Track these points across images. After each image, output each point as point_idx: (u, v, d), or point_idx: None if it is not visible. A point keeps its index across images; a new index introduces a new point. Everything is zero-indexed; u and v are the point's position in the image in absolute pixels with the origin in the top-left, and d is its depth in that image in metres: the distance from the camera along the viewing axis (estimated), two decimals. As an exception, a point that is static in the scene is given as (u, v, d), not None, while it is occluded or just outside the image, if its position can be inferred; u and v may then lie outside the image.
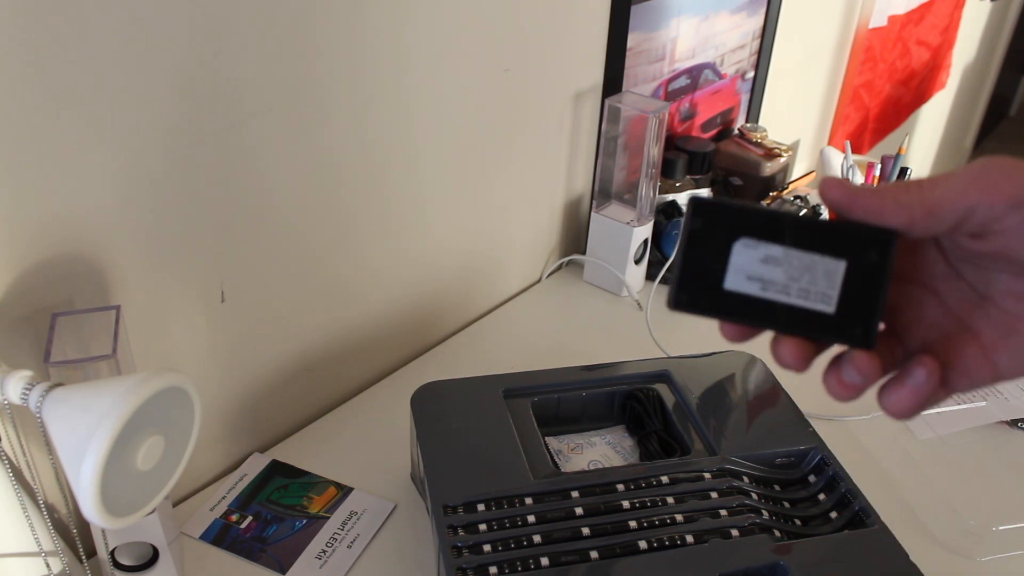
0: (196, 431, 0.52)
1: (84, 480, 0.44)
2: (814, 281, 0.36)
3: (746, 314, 0.36)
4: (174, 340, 0.70)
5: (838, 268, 0.35)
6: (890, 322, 0.38)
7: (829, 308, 0.36)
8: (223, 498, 0.74)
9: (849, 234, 0.35)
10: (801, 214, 0.36)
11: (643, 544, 0.61)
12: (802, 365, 0.36)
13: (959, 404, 0.88)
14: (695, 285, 0.36)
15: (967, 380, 0.36)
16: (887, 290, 0.35)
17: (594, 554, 0.60)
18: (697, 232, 0.36)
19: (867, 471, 0.72)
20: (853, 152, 1.33)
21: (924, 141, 2.38)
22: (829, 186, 0.35)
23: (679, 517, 0.63)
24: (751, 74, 1.35)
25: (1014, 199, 0.33)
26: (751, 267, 0.36)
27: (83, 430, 0.44)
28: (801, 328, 0.36)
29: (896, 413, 0.36)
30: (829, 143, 1.72)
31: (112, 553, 0.64)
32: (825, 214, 1.15)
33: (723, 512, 0.63)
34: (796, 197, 1.18)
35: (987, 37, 2.49)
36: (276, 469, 0.78)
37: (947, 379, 0.36)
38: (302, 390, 0.84)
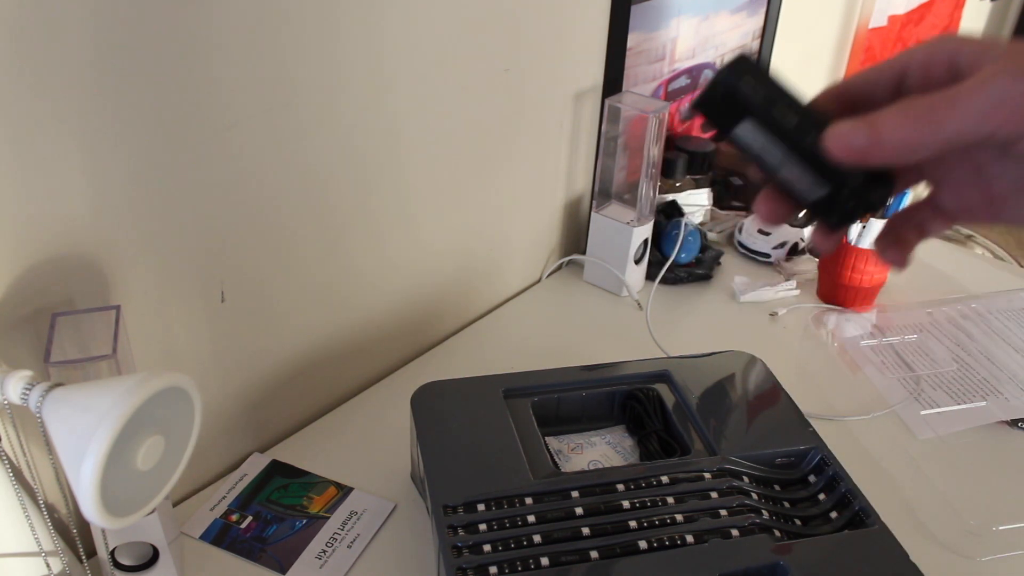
0: (196, 431, 0.52)
1: (84, 480, 0.44)
2: (802, 179, 0.38)
3: (745, 155, 0.39)
4: (174, 340, 0.70)
5: (821, 188, 0.37)
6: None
7: (809, 198, 0.38)
8: (223, 498, 0.74)
9: (842, 175, 0.37)
10: (807, 120, 0.38)
11: (643, 544, 0.61)
12: (775, 223, 0.41)
13: (959, 404, 0.88)
14: (709, 113, 0.39)
15: (969, 219, 0.39)
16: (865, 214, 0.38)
17: (594, 554, 0.60)
18: (714, 94, 0.39)
19: (867, 471, 0.72)
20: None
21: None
22: (835, 146, 0.35)
23: (679, 517, 0.63)
24: (751, 74, 1.35)
25: None
26: (754, 138, 0.38)
27: (83, 430, 0.44)
28: (782, 187, 0.39)
29: (888, 265, 0.42)
30: (829, 143, 1.72)
31: (112, 553, 0.64)
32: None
33: (723, 512, 0.63)
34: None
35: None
36: (276, 469, 0.78)
37: (952, 215, 0.39)
38: (302, 390, 0.84)
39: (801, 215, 0.41)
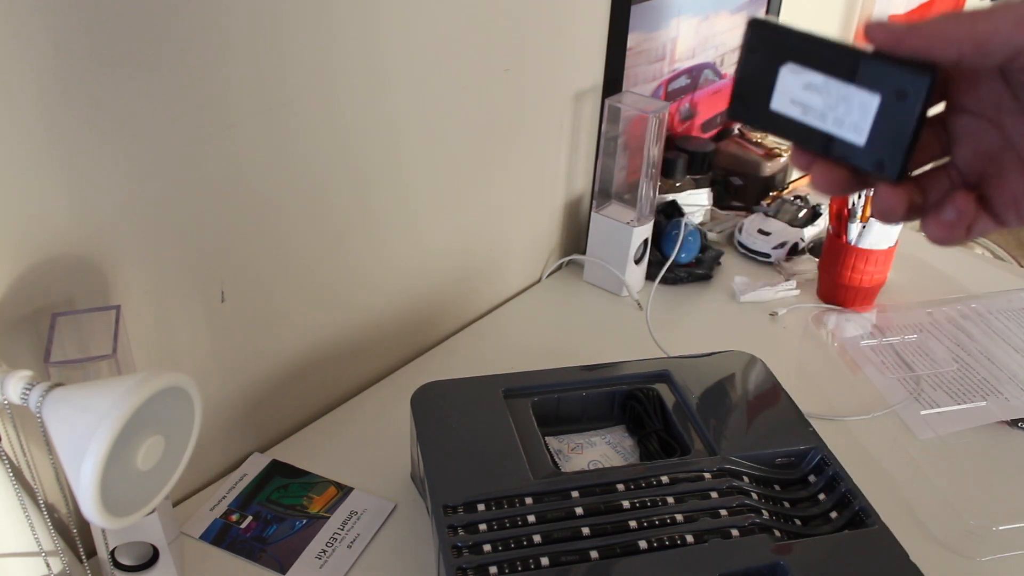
0: (196, 431, 0.52)
1: (84, 480, 0.44)
2: (848, 111, 0.37)
3: (788, 133, 0.39)
4: (174, 340, 0.70)
5: (872, 102, 0.36)
6: (951, 151, 0.39)
7: (860, 139, 0.37)
8: (223, 498, 0.74)
9: (888, 69, 0.36)
10: (846, 45, 0.37)
11: (643, 544, 0.61)
12: (833, 189, 0.39)
13: (959, 404, 0.88)
14: (746, 102, 0.39)
15: (1016, 216, 0.38)
16: (918, 129, 0.36)
17: (594, 554, 0.60)
18: (750, 53, 0.39)
19: (867, 471, 0.72)
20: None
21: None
22: (873, 30, 0.35)
23: (679, 517, 0.63)
24: (751, 74, 1.35)
25: None
26: (794, 92, 0.38)
27: (83, 430, 0.44)
28: (833, 152, 0.38)
29: (933, 241, 0.38)
30: (829, 143, 1.72)
31: (112, 553, 0.64)
32: (826, 214, 1.15)
33: (723, 512, 0.63)
34: (796, 197, 1.18)
35: (987, 37, 2.49)
36: (276, 469, 0.78)
37: (998, 212, 0.38)
38: (302, 390, 0.84)
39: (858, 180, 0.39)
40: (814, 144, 0.38)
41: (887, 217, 0.38)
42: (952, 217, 0.37)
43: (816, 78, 0.37)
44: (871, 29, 0.35)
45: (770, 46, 0.38)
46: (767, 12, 1.31)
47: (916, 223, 0.41)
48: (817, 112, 0.38)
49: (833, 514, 0.66)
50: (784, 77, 0.38)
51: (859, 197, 0.99)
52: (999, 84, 0.37)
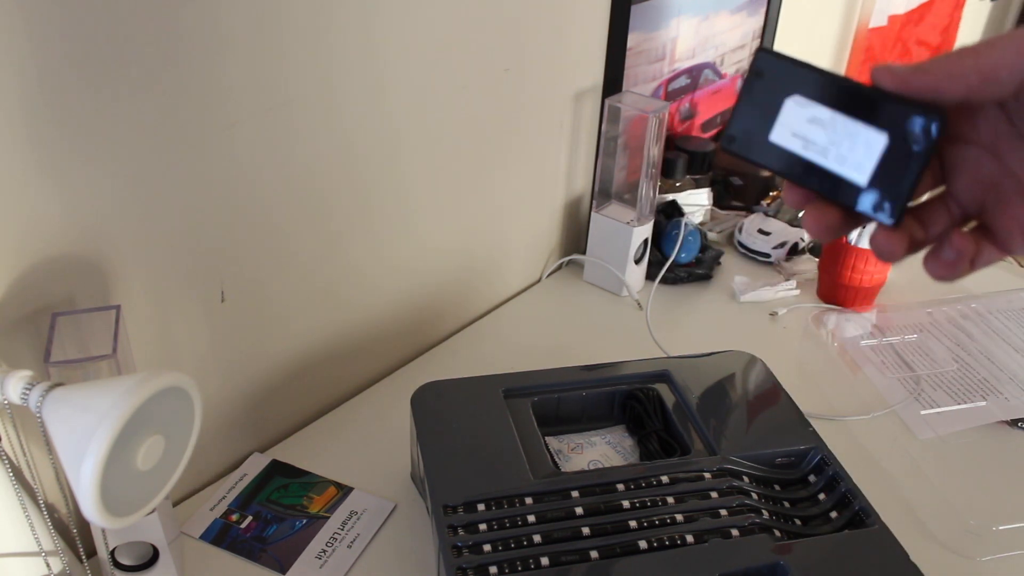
0: (196, 431, 0.52)
1: (84, 480, 0.44)
2: (853, 149, 0.36)
3: (784, 168, 0.38)
4: (174, 340, 0.70)
5: (878, 141, 0.36)
6: (948, 182, 0.38)
7: (861, 178, 0.36)
8: (223, 498, 0.74)
9: (899, 109, 0.35)
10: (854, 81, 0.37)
11: (643, 544, 0.61)
12: (825, 234, 0.38)
13: (959, 404, 0.88)
14: (744, 131, 0.38)
15: (1021, 242, 0.37)
16: (922, 172, 0.35)
17: (594, 554, 0.60)
18: (755, 82, 0.38)
19: (867, 471, 0.72)
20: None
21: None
22: (879, 74, 0.35)
23: (679, 517, 0.63)
24: (751, 74, 1.35)
25: None
26: (797, 125, 0.37)
27: (83, 430, 0.44)
28: (830, 191, 0.37)
29: (936, 279, 0.38)
30: (829, 143, 1.71)
31: (112, 553, 0.64)
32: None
33: (723, 512, 0.63)
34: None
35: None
36: (276, 469, 0.78)
37: (1002, 241, 0.37)
38: (302, 390, 0.84)
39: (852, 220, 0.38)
40: (811, 181, 0.37)
41: (888, 259, 0.37)
42: (952, 257, 0.37)
43: (823, 112, 0.37)
44: (877, 73, 0.35)
45: (777, 77, 0.37)
46: (767, 13, 1.31)
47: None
48: (819, 147, 0.37)
49: (833, 514, 0.66)
50: (789, 109, 0.37)
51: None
52: (996, 112, 0.37)
